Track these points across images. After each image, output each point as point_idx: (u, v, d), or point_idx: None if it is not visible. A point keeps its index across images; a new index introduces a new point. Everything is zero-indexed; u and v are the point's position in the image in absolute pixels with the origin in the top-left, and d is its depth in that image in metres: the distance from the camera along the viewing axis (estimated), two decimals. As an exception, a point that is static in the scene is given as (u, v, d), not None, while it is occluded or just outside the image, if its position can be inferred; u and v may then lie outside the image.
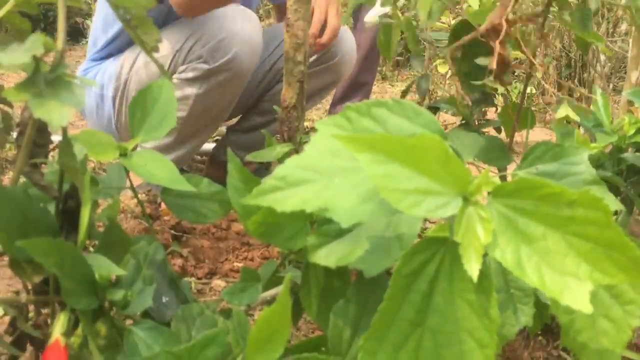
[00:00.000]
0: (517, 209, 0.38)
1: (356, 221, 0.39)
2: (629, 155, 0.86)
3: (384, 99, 0.45)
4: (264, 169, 1.69)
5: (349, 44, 1.64)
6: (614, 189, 0.89)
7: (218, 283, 1.24)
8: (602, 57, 1.60)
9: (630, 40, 1.28)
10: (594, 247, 0.35)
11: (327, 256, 0.48)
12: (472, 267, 0.35)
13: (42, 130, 0.53)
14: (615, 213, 0.91)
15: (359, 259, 0.46)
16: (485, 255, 0.36)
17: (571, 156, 0.50)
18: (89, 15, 3.93)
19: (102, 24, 1.52)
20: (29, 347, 0.60)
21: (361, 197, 0.40)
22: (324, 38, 1.40)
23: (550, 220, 0.36)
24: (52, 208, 0.56)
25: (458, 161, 0.36)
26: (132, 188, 0.75)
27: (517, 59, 1.45)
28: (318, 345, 0.62)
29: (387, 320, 0.40)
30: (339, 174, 0.41)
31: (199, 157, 2.00)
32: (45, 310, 0.58)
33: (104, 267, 0.54)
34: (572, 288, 0.35)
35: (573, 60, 2.27)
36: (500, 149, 0.75)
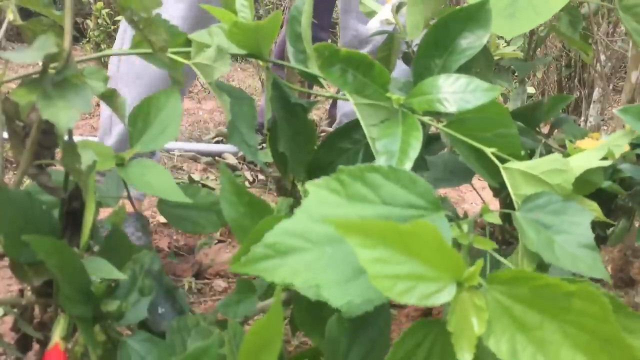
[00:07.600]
0: (513, 297, 0.37)
1: (348, 300, 0.38)
2: (627, 166, 0.84)
3: (377, 165, 0.44)
4: None
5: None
6: (611, 199, 0.87)
7: (218, 283, 1.24)
8: (602, 57, 1.60)
9: (630, 41, 1.27)
10: (590, 339, 0.35)
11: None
12: (464, 357, 0.35)
13: (47, 132, 0.52)
14: (612, 225, 0.89)
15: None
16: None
17: (575, 216, 0.48)
18: (89, 15, 3.89)
19: None
20: (35, 347, 0.59)
21: (354, 269, 0.39)
22: None
23: (547, 309, 0.36)
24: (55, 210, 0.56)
25: (452, 249, 0.36)
26: (129, 196, 0.75)
27: (516, 58, 1.44)
28: (316, 355, 0.62)
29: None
30: (330, 242, 0.40)
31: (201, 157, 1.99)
32: (50, 309, 0.57)
33: (104, 271, 0.53)
34: (568, 379, 0.34)
35: (573, 60, 2.26)
36: (465, 168, 0.75)
